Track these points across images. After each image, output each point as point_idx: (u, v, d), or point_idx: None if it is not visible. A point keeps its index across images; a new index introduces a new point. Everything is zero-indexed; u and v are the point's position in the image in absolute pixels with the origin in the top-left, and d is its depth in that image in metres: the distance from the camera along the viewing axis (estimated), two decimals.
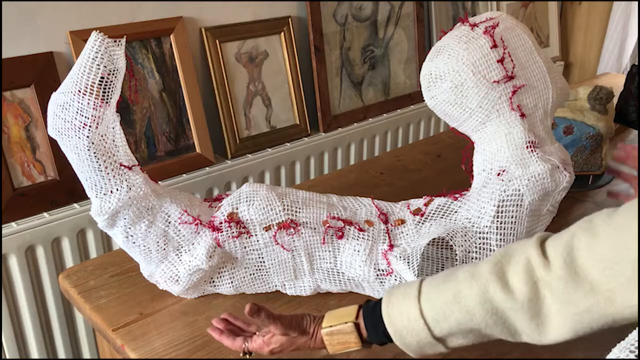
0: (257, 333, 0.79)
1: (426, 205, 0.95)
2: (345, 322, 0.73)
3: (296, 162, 1.70)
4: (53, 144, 1.32)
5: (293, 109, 1.71)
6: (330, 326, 0.73)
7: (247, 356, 0.78)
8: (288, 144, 1.69)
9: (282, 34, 1.68)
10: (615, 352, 0.56)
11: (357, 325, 0.72)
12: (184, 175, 1.48)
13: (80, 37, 1.34)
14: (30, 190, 1.30)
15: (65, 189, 1.35)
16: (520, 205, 0.87)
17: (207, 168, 1.54)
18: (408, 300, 0.68)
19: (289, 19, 1.69)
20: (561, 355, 0.82)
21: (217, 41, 1.57)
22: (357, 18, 1.82)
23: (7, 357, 1.30)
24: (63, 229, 1.32)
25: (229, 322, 0.82)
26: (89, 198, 1.33)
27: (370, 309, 0.72)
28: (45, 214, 1.31)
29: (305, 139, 1.74)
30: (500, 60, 0.89)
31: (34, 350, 1.35)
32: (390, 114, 1.93)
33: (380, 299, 0.71)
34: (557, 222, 1.19)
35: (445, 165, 1.50)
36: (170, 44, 1.48)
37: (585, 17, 2.57)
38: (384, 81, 1.93)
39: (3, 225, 1.27)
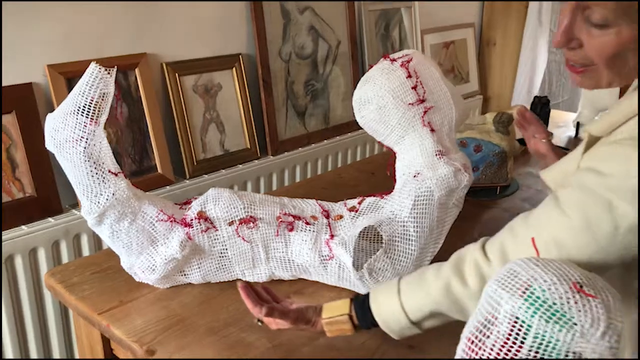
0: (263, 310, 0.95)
1: (359, 203, 1.18)
2: (341, 315, 0.93)
3: (248, 182, 1.90)
4: (32, 164, 1.48)
5: (244, 134, 1.92)
6: (330, 317, 0.93)
7: (259, 323, 0.97)
8: (240, 165, 1.89)
9: (234, 68, 1.90)
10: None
11: (350, 316, 0.93)
12: (147, 193, 1.65)
13: (56, 70, 1.51)
14: (9, 206, 1.45)
15: (41, 204, 1.50)
16: (432, 199, 1.10)
17: (168, 187, 1.71)
18: (391, 296, 0.90)
19: (240, 56, 1.91)
20: None
21: (176, 74, 1.77)
22: (299, 56, 2.06)
23: None
24: (39, 240, 1.46)
25: (250, 288, 0.98)
26: (62, 212, 1.50)
27: (360, 303, 0.93)
28: (23, 226, 1.46)
29: (256, 161, 1.94)
30: (414, 87, 1.13)
31: (8, 349, 1.47)
32: (330, 140, 2.16)
33: (366, 296, 0.93)
34: (472, 223, 1.45)
35: (378, 180, 1.73)
36: (135, 77, 1.67)
37: (499, 57, 2.92)
38: (324, 111, 2.17)
39: None
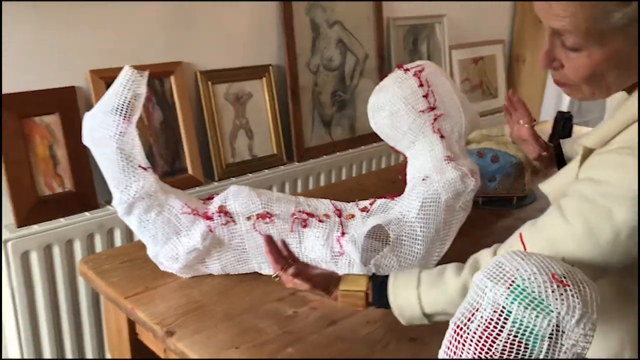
0: (290, 270, 1.04)
1: (371, 204, 1.24)
2: (358, 290, 1.00)
3: (273, 186, 1.99)
4: (72, 161, 1.59)
5: (271, 141, 2.01)
6: (346, 290, 1.01)
7: (276, 279, 1.05)
8: (266, 170, 1.98)
9: (264, 78, 1.99)
10: None
11: (366, 294, 1.00)
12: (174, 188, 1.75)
13: (97, 75, 1.63)
14: (50, 199, 1.57)
15: (79, 199, 1.61)
16: (439, 201, 1.16)
17: (197, 187, 1.81)
18: (410, 287, 0.96)
19: (270, 67, 2.00)
20: None
21: (209, 83, 1.87)
22: (327, 68, 2.15)
23: (23, 340, 1.53)
24: (76, 232, 1.57)
25: (275, 244, 1.06)
26: (98, 208, 1.60)
27: (378, 284, 0.99)
28: (61, 219, 1.57)
29: (281, 167, 2.02)
30: (425, 96, 1.20)
31: (44, 336, 1.58)
32: (355, 150, 2.23)
33: (385, 278, 0.99)
34: (487, 231, 1.49)
35: (397, 188, 1.78)
36: (171, 84, 1.78)
37: (528, 73, 2.95)
38: (350, 121, 2.24)
39: (27, 227, 1.52)
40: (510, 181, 1.68)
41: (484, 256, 0.93)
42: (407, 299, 0.96)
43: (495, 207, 1.65)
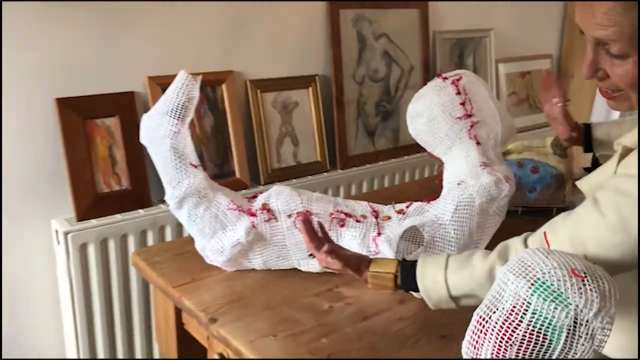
0: (325, 245, 1.09)
1: (407, 207, 1.29)
2: (387, 272, 1.04)
3: (316, 192, 2.05)
4: (129, 162, 1.71)
5: (316, 148, 2.09)
6: (376, 271, 1.05)
7: (310, 256, 1.11)
8: (310, 176, 2.05)
9: (311, 88, 2.07)
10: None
11: (395, 276, 1.04)
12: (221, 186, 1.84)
13: (154, 82, 1.75)
14: (107, 196, 1.68)
15: (134, 197, 1.72)
16: (472, 206, 1.20)
17: (244, 190, 1.90)
18: (438, 269, 1.00)
19: (316, 77, 2.08)
20: None
21: (258, 91, 1.96)
22: (372, 79, 2.21)
23: (78, 323, 1.64)
24: (130, 228, 1.68)
25: (311, 224, 1.12)
26: (151, 206, 1.70)
27: (407, 267, 1.03)
28: (117, 215, 1.68)
29: (325, 173, 2.09)
30: (462, 103, 1.24)
31: (97, 321, 1.68)
32: (398, 159, 2.28)
33: (414, 262, 1.03)
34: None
35: (438, 196, 1.83)
36: (222, 92, 1.88)
37: (577, 88, 2.93)
38: (394, 131, 2.30)
39: (86, 221, 1.64)
40: (550, 192, 1.70)
41: (514, 242, 0.96)
42: (434, 281, 0.99)
43: (534, 217, 1.66)
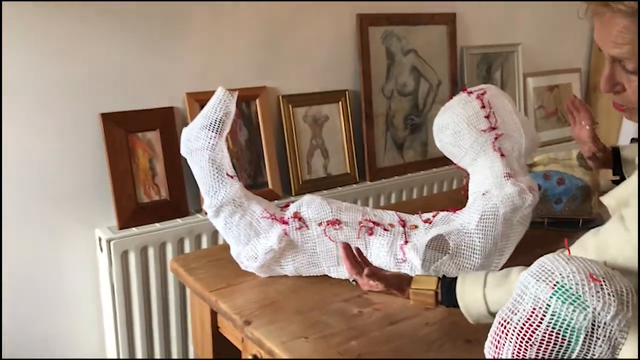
0: (365, 269, 1.15)
1: (434, 216, 1.34)
2: (428, 289, 1.10)
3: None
4: (168, 174, 1.79)
5: (345, 160, 2.15)
6: (418, 289, 1.11)
7: (354, 283, 1.17)
8: (340, 188, 2.11)
9: (340, 102, 2.14)
10: None
11: (436, 293, 1.10)
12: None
13: (192, 97, 1.83)
14: (148, 206, 1.77)
15: (173, 207, 1.80)
16: (497, 215, 1.24)
17: (275, 201, 1.96)
18: (477, 286, 1.05)
19: (346, 92, 2.15)
20: None
21: (290, 106, 2.04)
22: (401, 93, 2.27)
23: (119, 325, 1.73)
24: (168, 236, 1.76)
25: (352, 251, 1.18)
26: (189, 215, 1.78)
27: (447, 285, 1.09)
28: (157, 224, 1.77)
29: (354, 185, 2.15)
30: (487, 116, 1.29)
31: (137, 324, 1.76)
32: (427, 172, 2.32)
33: (453, 279, 1.08)
34: (549, 250, 1.53)
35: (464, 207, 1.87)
36: (256, 106, 1.96)
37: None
38: (422, 144, 2.34)
39: (127, 229, 1.72)
40: (576, 204, 1.72)
41: None
42: (474, 298, 1.04)
43: (560, 229, 1.68)
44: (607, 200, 1.03)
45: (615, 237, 0.90)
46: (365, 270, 1.14)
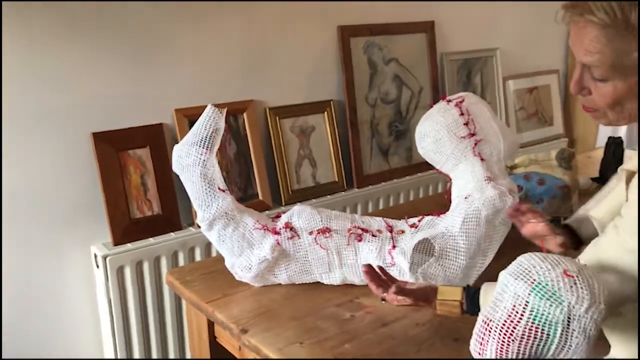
0: (392, 287, 1.17)
1: (419, 221, 1.39)
2: (454, 300, 1.13)
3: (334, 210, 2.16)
4: (160, 189, 1.83)
5: (333, 169, 2.20)
6: (443, 299, 1.14)
7: (383, 301, 1.19)
8: (329, 196, 2.16)
9: (326, 112, 2.19)
10: None
11: (461, 303, 1.13)
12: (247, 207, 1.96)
13: (181, 113, 1.88)
14: (141, 221, 1.81)
15: (166, 221, 1.84)
16: (479, 218, 1.30)
17: (267, 211, 2.01)
18: None
19: (331, 102, 2.20)
20: None
21: (277, 118, 2.09)
22: (384, 101, 2.33)
23: (117, 340, 1.76)
24: (162, 250, 1.80)
25: (375, 272, 1.21)
26: (181, 229, 1.82)
27: (471, 295, 1.12)
28: (150, 238, 1.80)
29: (342, 192, 2.20)
30: (466, 123, 1.35)
31: (134, 337, 1.80)
32: (412, 176, 2.38)
33: (477, 289, 1.11)
34: (533, 250, 1.59)
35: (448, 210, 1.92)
36: (244, 120, 2.01)
37: None
38: (406, 150, 2.40)
39: (122, 245, 1.76)
40: (557, 203, 1.78)
41: None
42: None
43: None
44: (594, 214, 1.08)
45: (613, 247, 0.96)
46: (393, 288, 1.16)
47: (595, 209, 1.08)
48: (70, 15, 1.66)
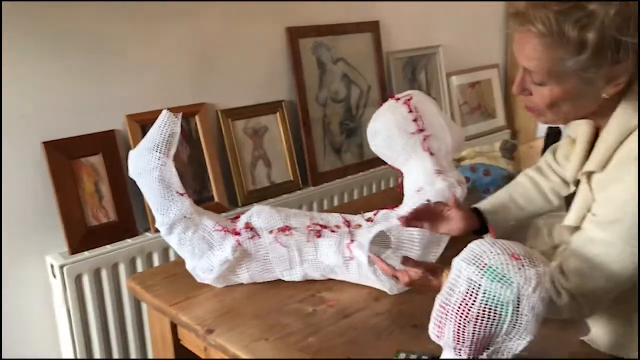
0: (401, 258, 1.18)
1: (375, 215, 1.44)
2: None
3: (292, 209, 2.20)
4: (114, 195, 1.82)
5: (288, 168, 2.23)
6: None
7: (395, 279, 1.23)
8: (284, 195, 2.19)
9: (278, 113, 2.22)
10: None
11: None
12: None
13: (133, 119, 1.87)
14: (97, 228, 1.79)
15: (122, 227, 1.83)
16: None
17: (223, 214, 2.02)
18: None
19: (283, 102, 2.24)
20: None
21: (229, 120, 2.10)
22: (334, 100, 2.38)
23: (77, 349, 1.74)
24: (120, 256, 1.79)
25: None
26: (138, 234, 1.82)
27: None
28: (107, 245, 1.79)
29: (298, 191, 2.24)
30: (415, 120, 1.41)
31: (95, 345, 1.79)
32: (364, 172, 2.44)
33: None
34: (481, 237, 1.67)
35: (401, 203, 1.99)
36: (196, 123, 2.02)
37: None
38: (358, 147, 2.46)
39: (79, 254, 1.74)
40: None
41: (554, 270, 1.10)
42: None
43: None
44: (567, 223, 1.13)
45: (602, 249, 1.03)
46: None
47: (567, 221, 1.15)
48: (16, 23, 1.63)
